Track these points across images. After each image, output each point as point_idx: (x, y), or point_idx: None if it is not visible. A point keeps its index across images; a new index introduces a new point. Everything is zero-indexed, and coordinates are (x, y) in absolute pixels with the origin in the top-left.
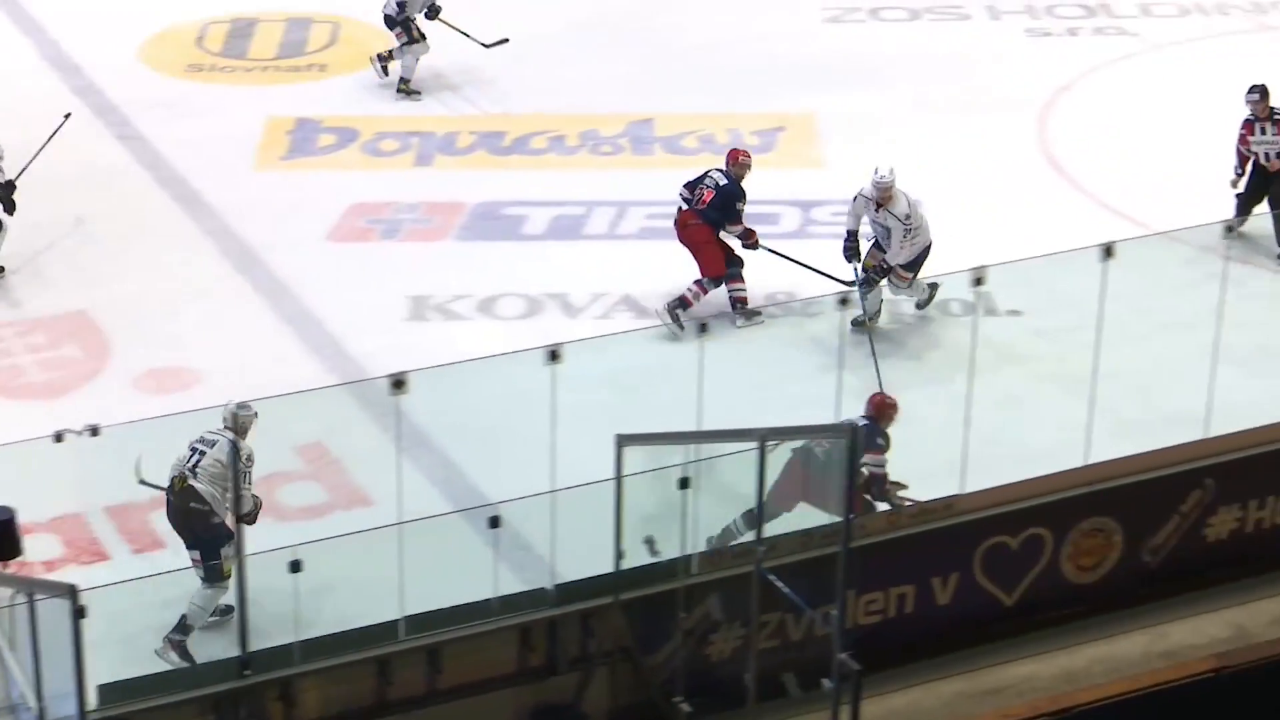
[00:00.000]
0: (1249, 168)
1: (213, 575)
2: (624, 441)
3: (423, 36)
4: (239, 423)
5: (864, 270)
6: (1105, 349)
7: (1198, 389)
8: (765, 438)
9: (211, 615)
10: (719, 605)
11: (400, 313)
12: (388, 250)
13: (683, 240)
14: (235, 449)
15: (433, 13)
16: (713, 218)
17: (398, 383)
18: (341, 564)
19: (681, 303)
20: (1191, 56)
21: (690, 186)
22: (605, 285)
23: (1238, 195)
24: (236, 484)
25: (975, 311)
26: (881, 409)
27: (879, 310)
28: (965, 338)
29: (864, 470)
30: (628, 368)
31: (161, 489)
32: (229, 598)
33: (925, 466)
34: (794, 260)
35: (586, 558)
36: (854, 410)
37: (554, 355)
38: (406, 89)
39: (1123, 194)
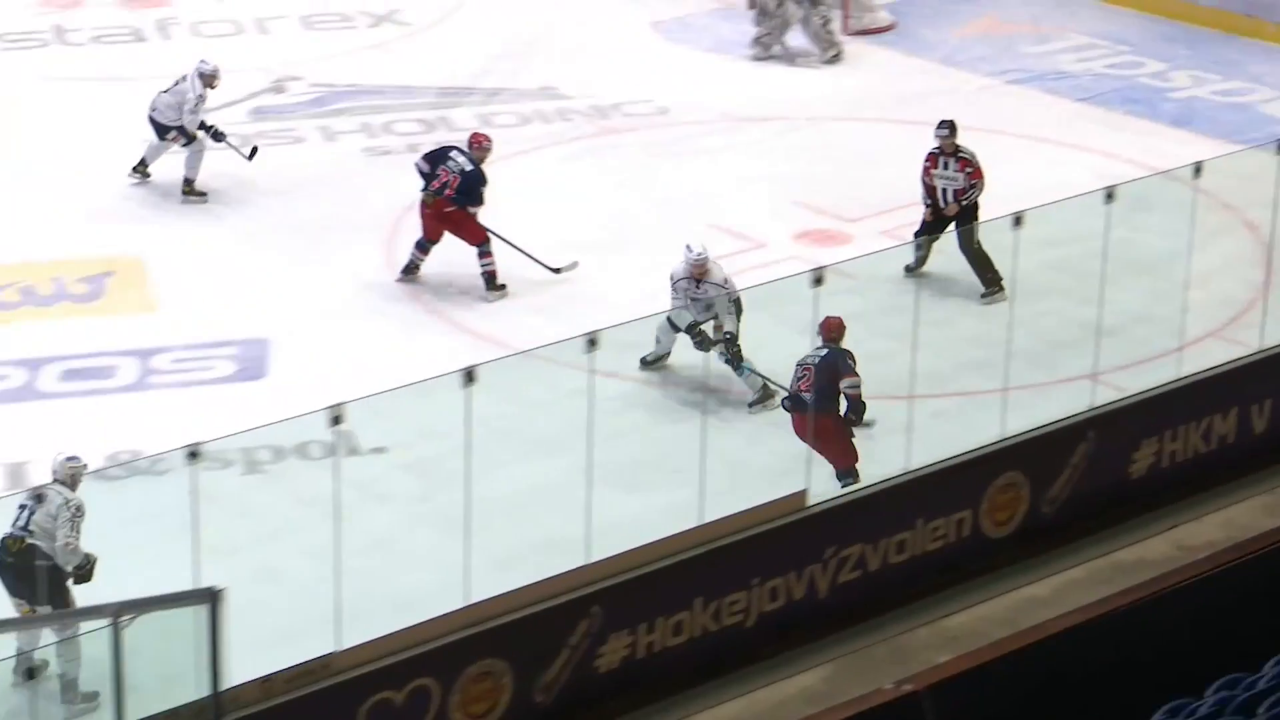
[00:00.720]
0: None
1: (66, 631)
2: None
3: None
4: (69, 474)
5: (724, 349)
6: (477, 478)
7: (575, 512)
8: (118, 613)
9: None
10: None
11: None
12: None
13: (436, 227)
14: (65, 501)
15: (217, 136)
16: (460, 201)
17: None
18: None
19: (490, 278)
20: (527, 167)
21: (430, 161)
22: None
23: (915, 232)
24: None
25: (336, 452)
26: (838, 329)
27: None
28: (327, 481)
29: (846, 393)
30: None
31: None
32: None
33: (294, 625)
34: (513, 245)
35: None
36: (215, 572)
37: None
38: (191, 189)
39: (481, 316)
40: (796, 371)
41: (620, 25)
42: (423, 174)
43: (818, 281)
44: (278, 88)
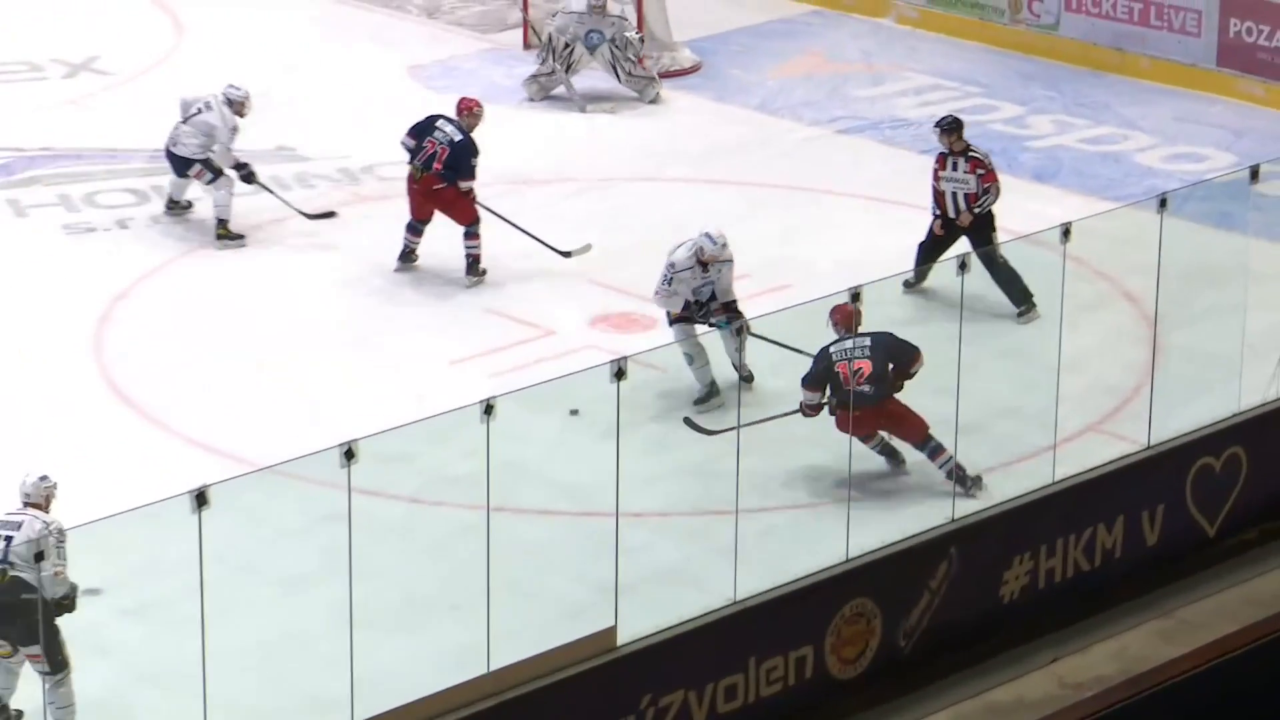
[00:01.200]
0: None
1: (61, 665)
2: None
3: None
4: (43, 495)
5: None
6: (217, 622)
7: (336, 662)
8: None
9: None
10: None
11: None
12: None
13: (425, 205)
14: (45, 525)
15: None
16: (449, 176)
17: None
18: None
19: (474, 262)
20: (259, 244)
21: (415, 134)
22: None
23: (920, 244)
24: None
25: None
26: (852, 315)
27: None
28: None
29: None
30: None
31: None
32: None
33: None
34: (514, 224)
35: None
36: None
37: None
38: (227, 232)
39: (207, 425)
40: (847, 368)
41: (370, 71)
42: (408, 149)
43: (619, 375)
44: None
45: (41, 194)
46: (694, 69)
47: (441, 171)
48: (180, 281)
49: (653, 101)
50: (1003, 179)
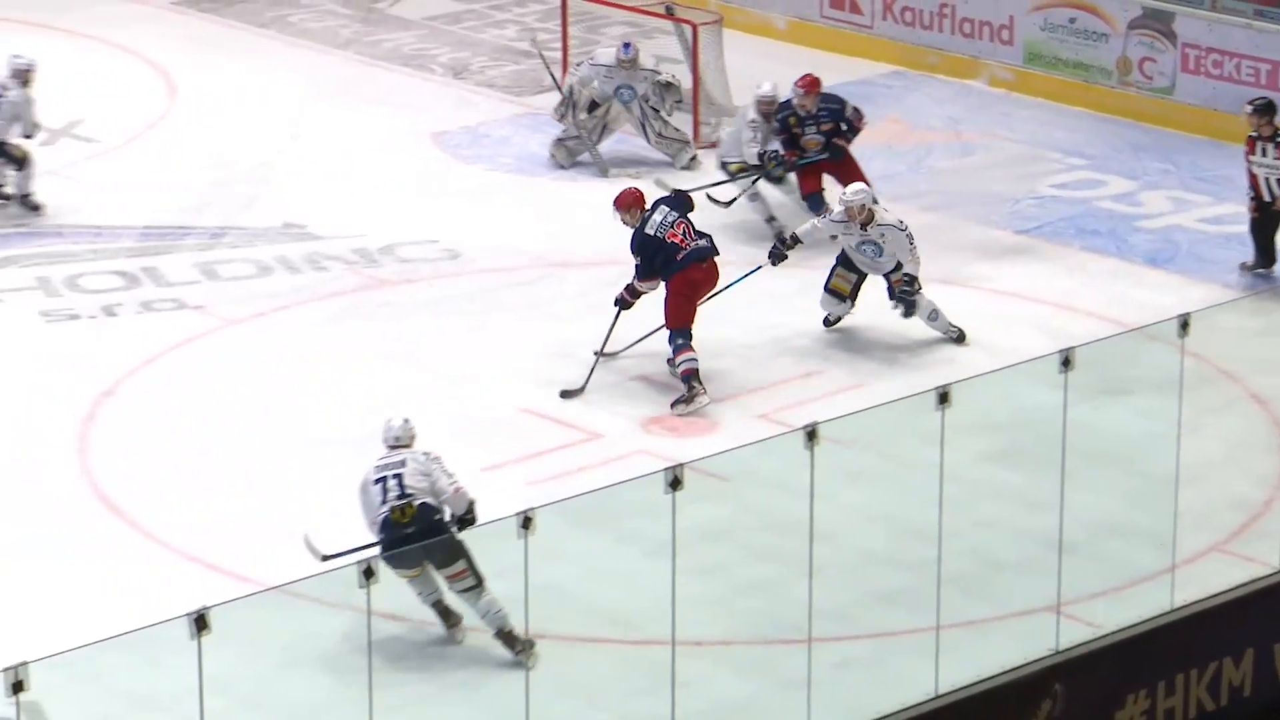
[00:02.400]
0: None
1: (477, 581)
2: None
3: None
4: (410, 435)
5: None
6: None
7: None
8: None
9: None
10: None
11: None
12: None
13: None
14: (425, 454)
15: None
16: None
17: None
18: None
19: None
20: (265, 334)
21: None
22: None
23: (1252, 231)
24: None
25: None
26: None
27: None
28: None
29: None
30: None
31: (353, 550)
32: None
33: None
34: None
35: None
36: None
37: None
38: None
39: (207, 542)
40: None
41: (389, 138)
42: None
43: (674, 484)
44: None
45: (18, 276)
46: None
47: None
48: (174, 375)
49: (686, 167)
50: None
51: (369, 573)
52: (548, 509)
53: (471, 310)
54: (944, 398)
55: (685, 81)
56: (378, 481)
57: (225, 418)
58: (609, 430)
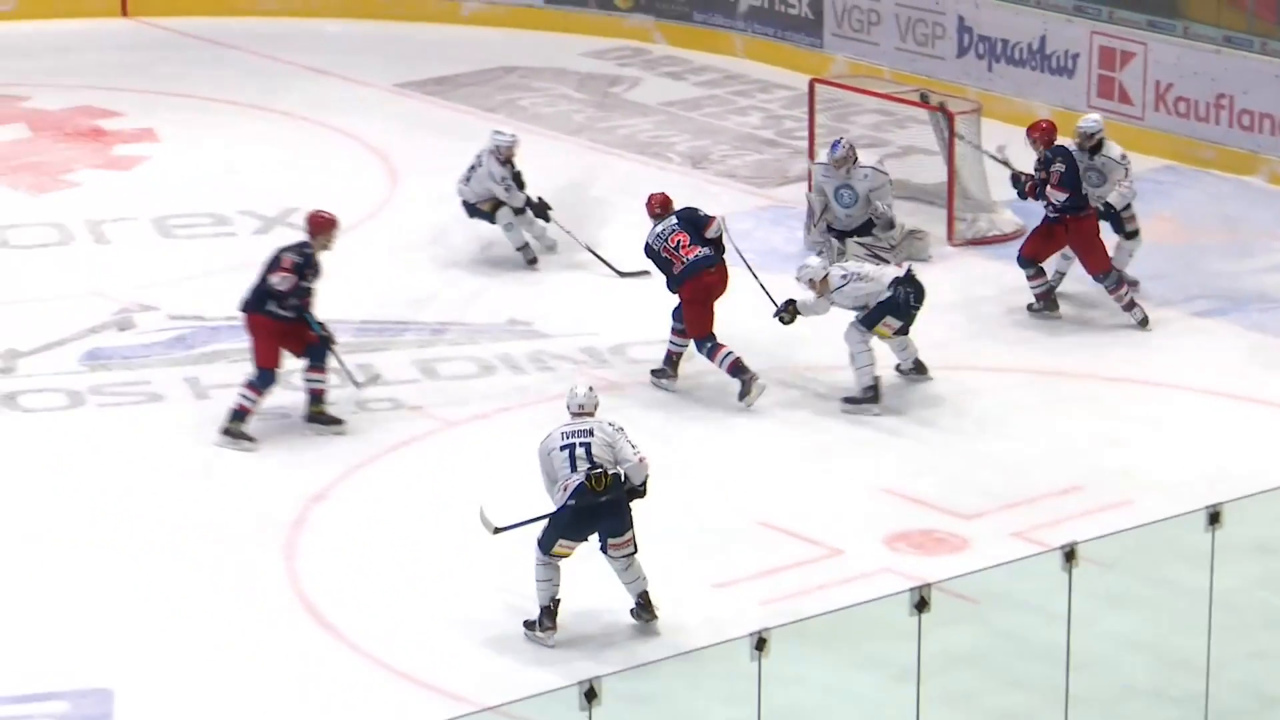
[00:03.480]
0: None
1: (635, 549)
2: None
3: None
4: (595, 404)
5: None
6: None
7: None
8: None
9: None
10: None
11: None
12: None
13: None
14: (609, 424)
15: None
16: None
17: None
18: None
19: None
20: (491, 439)
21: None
22: None
23: None
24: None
25: None
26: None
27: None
28: None
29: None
30: None
31: (523, 524)
32: None
33: None
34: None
35: None
36: None
37: None
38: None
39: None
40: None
41: (623, 231)
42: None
43: (920, 606)
44: (122, 323)
45: (227, 372)
46: (1016, 235)
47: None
48: (388, 481)
49: (924, 259)
50: None
51: (590, 694)
52: (783, 629)
53: (710, 414)
54: (1215, 517)
55: (939, 174)
56: (565, 448)
57: (442, 527)
58: (851, 546)
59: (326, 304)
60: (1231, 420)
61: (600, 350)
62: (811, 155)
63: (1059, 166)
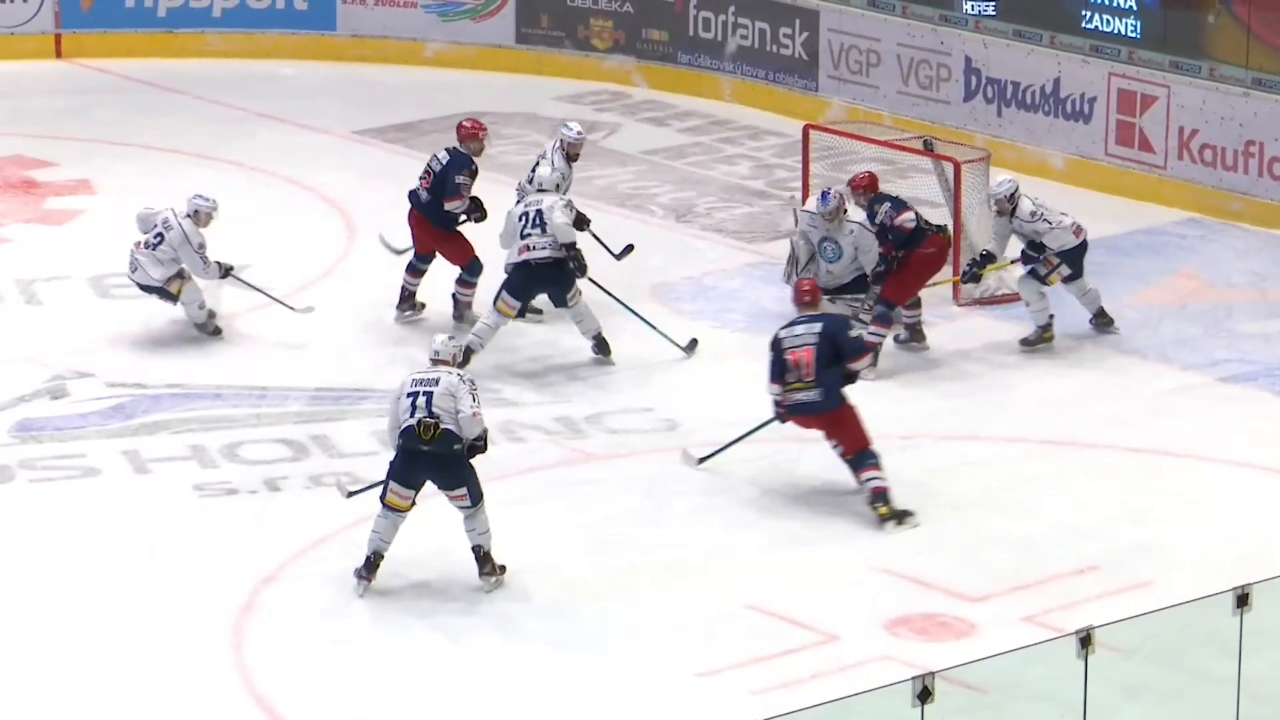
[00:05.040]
0: None
1: (479, 496)
2: None
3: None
4: (451, 353)
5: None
6: None
7: None
8: None
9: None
10: None
11: None
12: None
13: (421, 242)
14: (459, 378)
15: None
16: (432, 203)
17: None
18: None
19: (457, 307)
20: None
21: (422, 177)
22: None
23: None
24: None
25: None
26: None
27: None
28: None
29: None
30: None
31: (374, 485)
32: None
33: None
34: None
35: None
36: None
37: None
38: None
39: None
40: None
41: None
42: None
43: (923, 696)
44: (55, 390)
45: (169, 444)
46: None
47: (426, 203)
48: (344, 561)
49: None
50: None
51: None
52: None
53: (693, 490)
54: (1243, 599)
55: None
56: (410, 395)
57: (402, 609)
58: (847, 631)
59: (278, 371)
60: (1261, 493)
61: (575, 420)
62: (805, 198)
63: (888, 205)
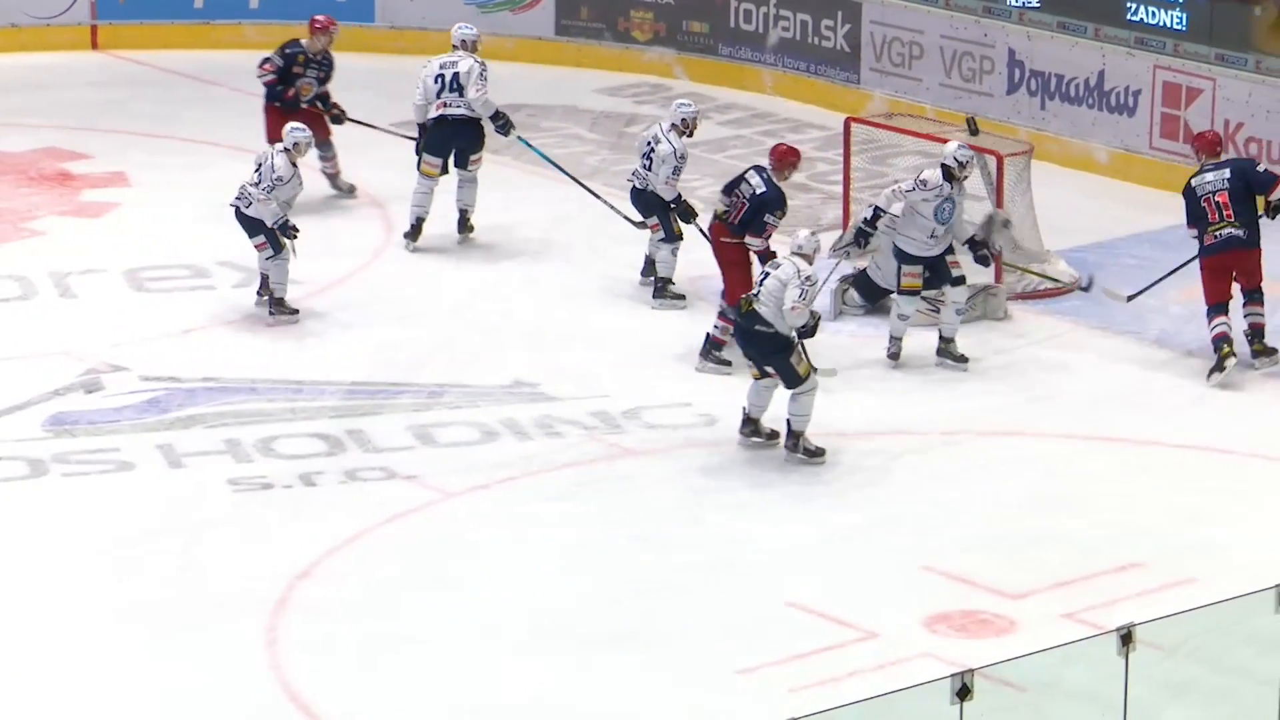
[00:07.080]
0: None
1: (796, 379)
2: None
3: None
4: (815, 248)
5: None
6: None
7: None
8: None
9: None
10: None
11: None
12: None
13: (716, 257)
14: (797, 272)
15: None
16: (740, 232)
17: None
18: None
19: (713, 345)
20: (492, 510)
21: (728, 190)
22: None
23: None
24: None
25: None
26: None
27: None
28: None
29: None
30: None
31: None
32: None
33: None
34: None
35: None
36: None
37: None
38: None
39: None
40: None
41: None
42: (721, 211)
43: (963, 694)
44: (89, 384)
45: (204, 438)
46: (1071, 287)
47: (735, 225)
48: (380, 556)
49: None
50: None
51: None
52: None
53: (731, 487)
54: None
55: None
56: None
57: (438, 606)
58: (886, 628)
59: (313, 365)
60: None
61: (613, 415)
62: (846, 198)
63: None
